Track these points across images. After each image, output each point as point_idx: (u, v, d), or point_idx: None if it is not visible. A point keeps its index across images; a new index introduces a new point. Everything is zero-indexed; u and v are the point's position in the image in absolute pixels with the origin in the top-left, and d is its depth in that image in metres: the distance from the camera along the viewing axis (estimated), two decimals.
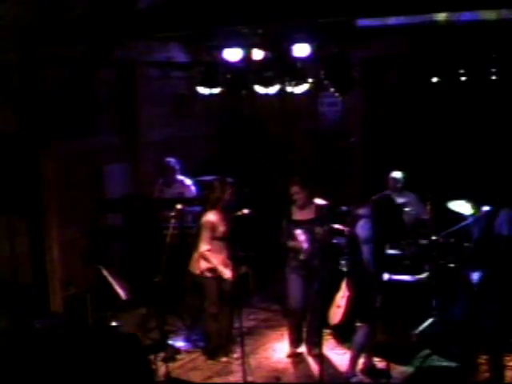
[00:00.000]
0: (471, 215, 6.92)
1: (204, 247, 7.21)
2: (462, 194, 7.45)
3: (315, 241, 7.17)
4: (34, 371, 5.71)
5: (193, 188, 8.81)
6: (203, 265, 7.27)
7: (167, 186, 8.91)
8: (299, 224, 7.23)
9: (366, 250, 6.69)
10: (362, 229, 6.74)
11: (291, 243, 7.23)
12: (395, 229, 6.99)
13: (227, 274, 7.13)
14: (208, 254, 7.20)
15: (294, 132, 10.74)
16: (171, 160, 8.91)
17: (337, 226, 8.00)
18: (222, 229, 7.24)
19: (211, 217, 7.22)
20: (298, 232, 7.16)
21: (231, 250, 7.20)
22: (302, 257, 7.20)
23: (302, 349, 7.53)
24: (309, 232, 7.17)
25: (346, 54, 7.87)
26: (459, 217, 7.55)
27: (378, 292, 6.63)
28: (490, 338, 6.52)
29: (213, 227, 7.21)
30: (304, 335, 7.53)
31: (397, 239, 7.29)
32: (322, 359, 6.73)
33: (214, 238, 7.23)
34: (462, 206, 7.44)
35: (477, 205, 6.70)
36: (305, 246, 7.14)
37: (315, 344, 7.25)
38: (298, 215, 7.29)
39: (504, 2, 5.55)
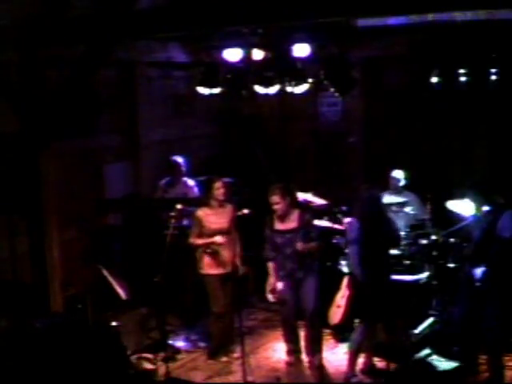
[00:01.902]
0: (473, 215, 6.92)
1: (189, 240, 7.32)
2: (462, 194, 7.45)
3: (297, 253, 6.97)
4: (34, 371, 5.71)
5: (196, 189, 8.78)
6: (201, 261, 7.32)
7: (171, 186, 8.88)
8: (282, 233, 7.05)
9: (350, 250, 6.67)
10: (348, 228, 6.73)
11: (270, 270, 7.15)
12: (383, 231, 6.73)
13: (218, 238, 7.15)
14: (191, 240, 7.29)
15: (294, 132, 10.74)
16: (177, 159, 8.87)
17: (336, 226, 8.03)
18: (210, 226, 7.25)
19: (198, 212, 7.33)
20: (279, 284, 7.08)
21: (233, 250, 7.19)
22: (270, 298, 7.18)
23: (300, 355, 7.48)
24: (290, 243, 6.99)
25: (345, 54, 7.88)
26: (459, 217, 7.55)
27: (379, 292, 6.60)
28: (490, 337, 6.52)
29: (198, 221, 7.29)
30: (302, 344, 7.45)
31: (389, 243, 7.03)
32: (321, 359, 6.74)
33: (202, 234, 7.27)
34: (461, 206, 7.44)
35: (479, 205, 6.68)
36: (278, 286, 7.09)
37: (314, 352, 7.20)
38: (279, 225, 7.06)
39: (504, 2, 5.54)
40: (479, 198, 6.65)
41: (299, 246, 6.89)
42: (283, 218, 7.03)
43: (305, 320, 7.22)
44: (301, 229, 6.97)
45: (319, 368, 6.96)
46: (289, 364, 7.34)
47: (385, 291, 6.62)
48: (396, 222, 7.20)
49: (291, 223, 7.03)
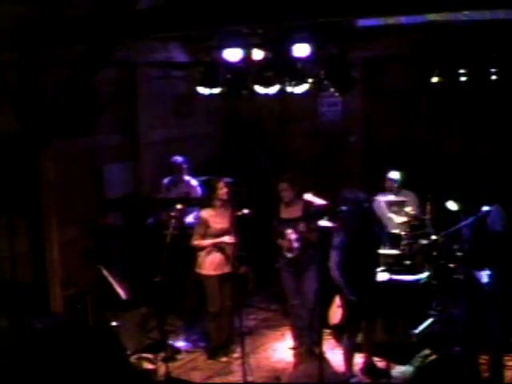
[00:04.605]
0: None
1: (194, 241, 7.36)
2: (461, 193, 7.47)
3: (301, 239, 7.22)
4: (34, 371, 5.71)
5: (199, 188, 8.79)
6: (202, 261, 7.32)
7: (174, 186, 8.88)
8: (286, 222, 7.26)
9: (332, 253, 6.70)
10: (336, 236, 6.75)
11: (281, 242, 7.29)
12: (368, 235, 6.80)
13: (226, 238, 7.22)
14: (197, 242, 7.34)
15: (294, 132, 10.74)
16: (178, 159, 8.88)
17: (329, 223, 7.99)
18: (215, 226, 7.28)
19: (203, 213, 7.40)
20: (289, 231, 7.21)
21: (234, 250, 7.21)
22: (289, 255, 7.27)
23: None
24: (295, 230, 7.23)
25: (345, 54, 7.87)
26: (459, 217, 7.55)
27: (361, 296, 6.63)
28: (492, 337, 6.52)
29: (204, 223, 7.33)
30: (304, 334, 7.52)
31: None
32: (322, 359, 6.73)
33: (207, 235, 7.30)
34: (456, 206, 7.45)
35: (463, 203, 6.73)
36: (295, 245, 7.20)
37: (315, 343, 7.24)
38: (285, 213, 7.35)
39: (504, 2, 5.54)
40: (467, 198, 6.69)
41: (301, 227, 7.17)
42: (289, 206, 7.30)
43: (307, 309, 7.32)
44: (304, 217, 7.22)
45: (319, 357, 6.93)
46: (294, 349, 7.47)
47: (366, 295, 6.65)
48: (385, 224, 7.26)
49: (296, 212, 7.29)
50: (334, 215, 7.89)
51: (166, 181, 8.96)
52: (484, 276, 6.47)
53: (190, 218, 8.24)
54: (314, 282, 7.15)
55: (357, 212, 6.63)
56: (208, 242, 7.32)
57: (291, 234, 7.21)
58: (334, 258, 6.66)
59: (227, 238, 7.24)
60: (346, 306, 6.79)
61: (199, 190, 8.76)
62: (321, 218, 7.74)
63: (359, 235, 6.62)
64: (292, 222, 7.27)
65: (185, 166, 8.85)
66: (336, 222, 7.71)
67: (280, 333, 8.04)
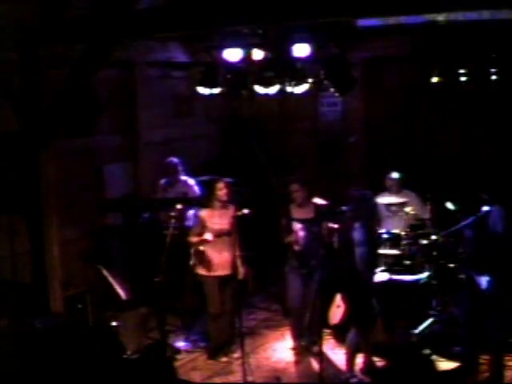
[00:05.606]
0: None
1: (190, 238, 7.36)
2: (461, 193, 7.47)
3: (314, 240, 7.18)
4: (34, 371, 5.71)
5: (196, 188, 8.80)
6: (200, 262, 7.34)
7: (170, 186, 8.90)
8: (300, 222, 7.23)
9: (358, 252, 6.69)
10: (357, 232, 6.74)
11: (289, 238, 7.24)
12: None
13: (208, 236, 7.17)
14: (191, 238, 7.31)
15: (294, 132, 10.74)
16: (173, 160, 8.89)
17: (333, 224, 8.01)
18: (213, 227, 7.27)
19: (201, 212, 7.38)
20: (298, 226, 7.18)
21: (234, 251, 7.21)
22: (296, 248, 7.22)
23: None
24: (307, 231, 7.19)
25: (345, 54, 7.88)
26: (459, 217, 7.55)
27: (371, 297, 6.64)
28: (491, 337, 6.52)
29: (201, 222, 7.32)
30: (304, 334, 7.53)
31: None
32: (322, 359, 6.74)
33: (203, 234, 7.28)
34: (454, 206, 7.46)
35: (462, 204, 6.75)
36: (301, 234, 7.18)
37: (315, 342, 7.25)
38: (297, 214, 7.30)
39: (504, 2, 5.55)
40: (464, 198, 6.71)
41: (323, 226, 7.17)
42: (301, 206, 7.28)
43: (308, 309, 7.32)
44: (316, 219, 7.22)
45: (319, 357, 6.95)
46: (294, 349, 7.45)
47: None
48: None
49: (308, 213, 7.28)
50: (335, 215, 7.95)
51: (162, 182, 8.97)
52: (483, 281, 6.47)
53: (189, 222, 8.24)
54: (318, 281, 7.18)
55: (364, 210, 6.65)
56: (195, 239, 7.29)
57: (299, 229, 7.17)
58: (360, 253, 6.61)
59: (208, 236, 7.17)
60: (355, 303, 6.77)
61: (197, 190, 8.77)
62: (330, 217, 7.79)
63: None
64: (304, 223, 7.22)
65: (180, 167, 8.86)
66: (337, 222, 7.76)
67: (280, 333, 8.04)
